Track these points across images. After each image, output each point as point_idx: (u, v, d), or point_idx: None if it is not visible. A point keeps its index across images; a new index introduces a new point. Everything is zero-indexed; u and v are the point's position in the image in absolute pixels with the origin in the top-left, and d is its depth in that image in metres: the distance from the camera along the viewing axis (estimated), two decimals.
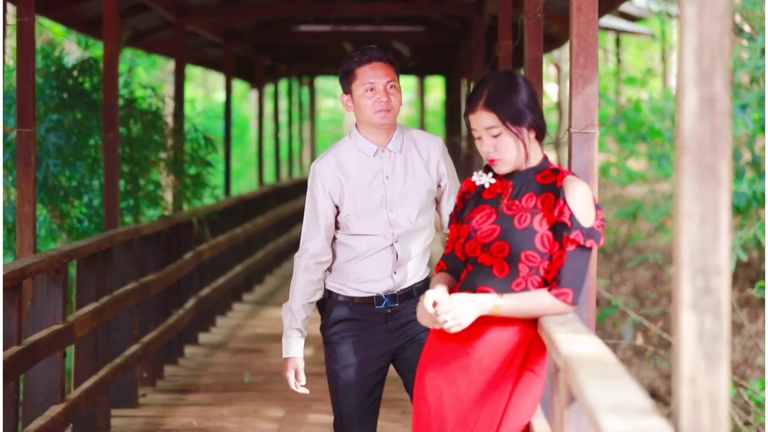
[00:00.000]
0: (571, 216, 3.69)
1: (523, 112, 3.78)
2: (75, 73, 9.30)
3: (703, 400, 2.49)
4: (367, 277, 4.72)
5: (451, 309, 3.72)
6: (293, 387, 4.83)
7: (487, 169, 3.96)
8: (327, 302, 4.82)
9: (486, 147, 3.80)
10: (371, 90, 4.61)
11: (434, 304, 3.77)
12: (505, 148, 3.79)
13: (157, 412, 7.76)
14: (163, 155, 9.80)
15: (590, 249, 3.72)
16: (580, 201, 3.71)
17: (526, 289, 3.75)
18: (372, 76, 4.62)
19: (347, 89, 4.68)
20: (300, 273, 4.78)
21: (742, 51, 9.46)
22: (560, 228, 3.71)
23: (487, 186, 3.93)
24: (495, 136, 3.78)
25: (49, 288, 6.28)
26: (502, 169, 3.84)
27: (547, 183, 3.80)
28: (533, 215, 3.75)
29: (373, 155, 4.70)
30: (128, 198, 9.49)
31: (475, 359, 3.79)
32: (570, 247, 3.69)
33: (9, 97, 8.50)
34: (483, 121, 3.79)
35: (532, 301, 3.72)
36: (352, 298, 4.75)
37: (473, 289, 3.81)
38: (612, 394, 2.69)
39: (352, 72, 4.64)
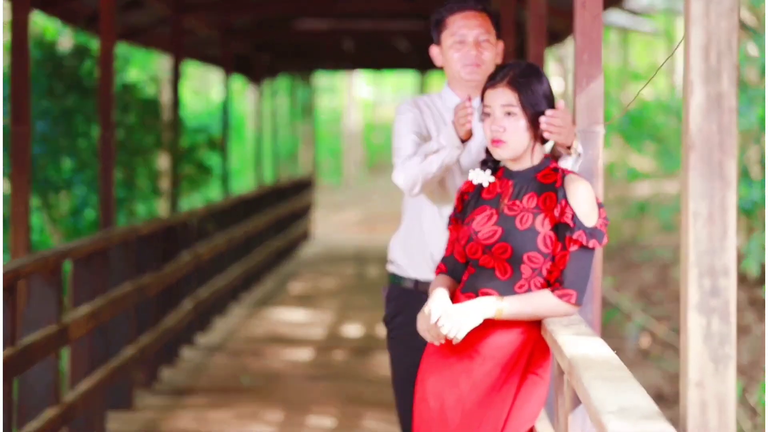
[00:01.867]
0: (573, 216, 3.65)
1: (541, 103, 3.76)
2: (69, 61, 9.23)
3: (710, 402, 2.51)
4: (434, 250, 4.30)
5: (449, 318, 3.67)
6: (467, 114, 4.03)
7: (484, 165, 3.89)
8: (391, 288, 4.44)
9: (495, 125, 3.75)
10: (460, 42, 4.23)
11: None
12: (514, 131, 3.74)
13: (154, 415, 7.70)
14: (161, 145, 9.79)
15: (593, 249, 3.68)
16: (582, 200, 3.67)
17: (528, 290, 3.72)
18: (463, 26, 4.23)
19: (437, 39, 4.31)
20: (407, 163, 4.18)
21: (749, 47, 9.41)
22: (562, 228, 3.66)
23: (485, 185, 3.88)
24: (508, 114, 3.74)
25: (44, 289, 6.22)
26: (503, 153, 3.78)
27: (548, 182, 3.76)
28: (535, 215, 3.71)
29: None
30: (123, 188, 9.41)
31: (478, 362, 3.75)
32: (573, 248, 3.65)
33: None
34: (502, 98, 3.75)
35: (535, 302, 3.66)
36: (416, 282, 4.37)
37: (475, 292, 3.76)
38: (617, 397, 2.68)
39: (443, 21, 4.27)
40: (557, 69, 17.98)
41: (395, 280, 4.44)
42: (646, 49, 26.87)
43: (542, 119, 3.74)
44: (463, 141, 4.04)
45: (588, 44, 4.20)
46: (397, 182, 4.21)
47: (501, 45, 4.33)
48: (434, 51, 4.33)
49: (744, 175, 10.25)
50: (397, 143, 4.27)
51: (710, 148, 2.47)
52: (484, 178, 3.87)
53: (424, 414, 3.85)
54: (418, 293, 4.33)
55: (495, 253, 3.73)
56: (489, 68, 4.23)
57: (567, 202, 3.67)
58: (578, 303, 3.67)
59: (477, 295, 3.75)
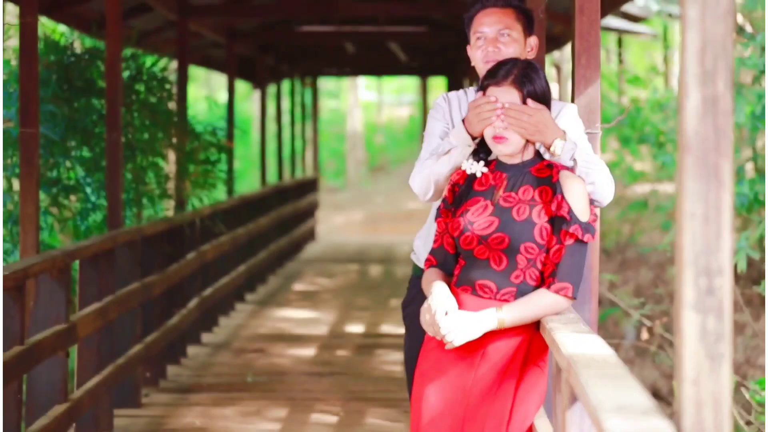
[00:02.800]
0: (569, 210, 3.70)
1: (541, 99, 3.82)
2: (78, 62, 9.22)
3: (706, 400, 2.48)
4: None
5: (450, 322, 3.72)
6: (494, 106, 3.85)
7: (476, 155, 3.94)
8: (412, 276, 4.51)
9: (499, 122, 3.80)
10: (481, 39, 4.18)
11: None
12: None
13: (160, 412, 7.75)
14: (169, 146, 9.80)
15: (587, 243, 3.73)
16: (578, 197, 3.73)
17: (524, 281, 3.76)
18: (483, 24, 4.18)
19: (468, 39, 4.28)
20: (422, 167, 4.13)
21: (743, 50, 9.45)
22: (559, 222, 3.71)
23: (479, 175, 3.90)
24: None
25: (52, 288, 6.28)
26: (505, 150, 3.82)
27: (543, 176, 3.81)
28: (531, 207, 3.75)
29: None
30: (131, 190, 9.41)
31: (478, 358, 3.79)
32: (569, 241, 3.70)
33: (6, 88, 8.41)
34: (506, 96, 3.80)
35: (534, 304, 3.71)
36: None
37: (471, 285, 3.80)
38: (615, 394, 2.69)
39: (470, 20, 4.24)
40: (553, 73, 17.98)
41: (415, 269, 4.51)
42: (642, 52, 26.84)
43: (500, 110, 3.78)
44: (474, 138, 3.99)
45: (586, 48, 4.25)
46: (412, 187, 4.19)
47: (533, 39, 4.25)
48: (468, 51, 4.28)
49: (738, 173, 10.28)
50: (423, 147, 4.27)
51: (706, 151, 2.47)
52: (477, 168, 3.89)
53: (425, 412, 3.85)
54: None
55: (491, 244, 3.77)
56: None
57: (563, 197, 3.72)
58: (574, 296, 3.73)
59: (473, 288, 3.79)
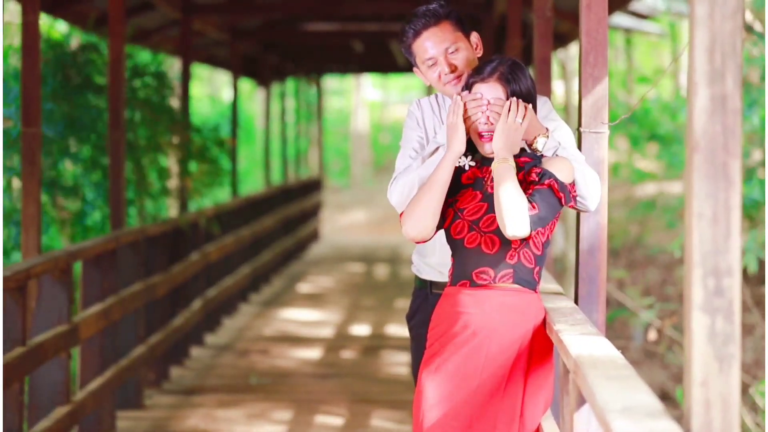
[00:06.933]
0: (541, 172, 3.71)
1: (527, 97, 3.84)
2: (77, 58, 9.18)
3: (715, 401, 2.50)
4: (439, 260, 4.26)
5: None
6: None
7: (464, 152, 3.92)
8: (414, 288, 4.46)
9: (485, 119, 3.81)
10: (433, 65, 4.14)
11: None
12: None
13: (163, 414, 7.73)
14: (174, 141, 9.78)
15: (559, 198, 3.71)
16: (558, 167, 3.75)
17: (519, 261, 3.77)
18: (429, 48, 4.14)
19: (414, 63, 4.25)
20: (401, 177, 4.07)
21: (752, 49, 9.41)
22: (532, 184, 3.71)
23: (467, 168, 3.92)
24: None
25: (55, 289, 6.25)
26: (491, 147, 3.81)
27: (528, 161, 3.83)
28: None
29: None
30: (132, 187, 9.37)
31: (482, 358, 3.77)
32: (540, 186, 3.69)
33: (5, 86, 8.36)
34: (492, 92, 3.82)
35: (517, 193, 3.64)
36: (431, 283, 4.36)
37: (468, 277, 3.81)
38: (623, 396, 2.69)
39: (410, 50, 4.20)
40: (559, 71, 17.96)
41: (416, 280, 4.49)
42: (650, 51, 26.82)
43: (485, 106, 3.79)
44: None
45: (593, 46, 4.21)
46: (391, 201, 4.10)
47: (474, 36, 4.24)
48: (418, 73, 4.26)
49: (747, 175, 10.26)
50: (398, 158, 4.23)
51: (714, 149, 2.47)
52: (465, 161, 3.92)
53: (430, 416, 3.82)
54: (433, 295, 4.37)
55: (482, 227, 3.79)
56: (470, 66, 4.15)
57: (539, 166, 3.74)
58: (534, 224, 3.65)
59: (471, 280, 3.80)
